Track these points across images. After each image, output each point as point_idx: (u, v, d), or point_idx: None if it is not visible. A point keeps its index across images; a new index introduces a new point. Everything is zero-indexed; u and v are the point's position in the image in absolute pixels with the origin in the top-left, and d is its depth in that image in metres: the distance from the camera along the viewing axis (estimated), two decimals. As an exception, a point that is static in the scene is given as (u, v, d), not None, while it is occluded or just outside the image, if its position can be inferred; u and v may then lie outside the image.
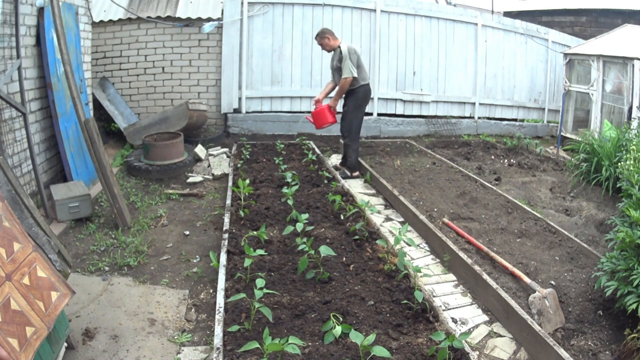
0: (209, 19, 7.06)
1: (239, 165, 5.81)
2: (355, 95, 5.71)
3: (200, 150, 6.29)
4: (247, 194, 4.53)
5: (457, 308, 3.22)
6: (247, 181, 4.54)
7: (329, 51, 5.77)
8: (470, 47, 8.28)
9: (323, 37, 5.75)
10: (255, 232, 3.73)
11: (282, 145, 6.66)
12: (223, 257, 3.41)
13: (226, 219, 4.10)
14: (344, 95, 5.79)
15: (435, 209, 4.82)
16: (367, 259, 3.53)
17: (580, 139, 6.42)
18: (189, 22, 7.10)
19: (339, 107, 5.96)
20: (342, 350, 2.50)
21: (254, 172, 5.60)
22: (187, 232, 4.26)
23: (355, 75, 5.52)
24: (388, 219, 4.72)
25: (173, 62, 7.24)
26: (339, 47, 5.60)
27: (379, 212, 4.80)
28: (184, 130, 6.24)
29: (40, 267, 2.24)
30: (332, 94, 5.91)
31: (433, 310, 2.87)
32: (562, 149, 7.43)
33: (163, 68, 7.24)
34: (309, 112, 7.69)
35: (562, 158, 7.10)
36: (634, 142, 4.44)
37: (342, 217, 4.22)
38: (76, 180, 4.65)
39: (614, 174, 5.14)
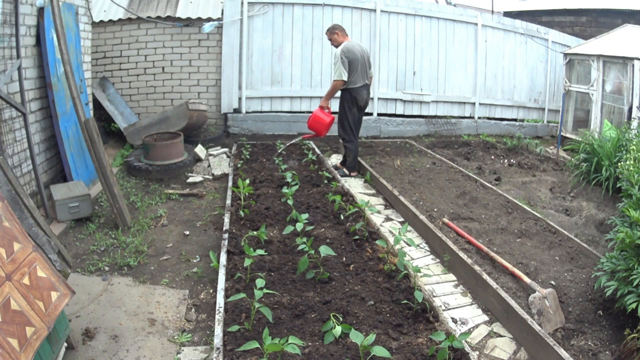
0: (209, 19, 7.06)
1: (239, 165, 5.81)
2: (345, 96, 5.74)
3: (200, 150, 6.29)
4: (247, 194, 4.53)
5: (457, 308, 3.22)
6: (247, 181, 4.54)
7: (336, 47, 5.76)
8: (470, 47, 8.28)
9: (333, 33, 5.78)
10: (255, 232, 3.73)
11: (282, 146, 6.65)
12: (223, 257, 3.41)
13: (226, 219, 4.10)
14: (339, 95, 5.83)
15: (435, 209, 4.82)
16: (367, 259, 3.53)
17: (580, 139, 6.42)
18: (189, 22, 7.10)
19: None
20: (342, 350, 2.50)
21: (254, 172, 5.60)
22: (187, 232, 4.26)
23: (345, 79, 5.54)
24: (388, 219, 4.72)
25: (173, 62, 7.24)
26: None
27: (379, 212, 4.80)
28: (184, 130, 6.24)
29: (40, 267, 2.24)
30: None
31: (433, 310, 2.87)
32: (562, 149, 7.43)
33: (163, 68, 7.24)
34: (308, 112, 7.71)
35: (562, 158, 7.10)
36: (634, 142, 4.44)
37: (342, 217, 4.22)
38: (76, 180, 4.65)
39: (614, 174, 5.14)
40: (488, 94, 8.53)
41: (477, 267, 3.40)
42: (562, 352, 2.50)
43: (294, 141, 6.35)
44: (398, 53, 7.95)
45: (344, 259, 3.53)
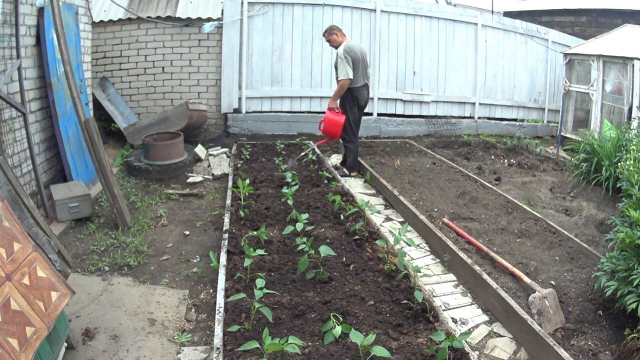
0: (209, 19, 7.06)
1: (239, 165, 5.81)
2: (346, 96, 5.72)
3: (200, 150, 6.29)
4: (247, 194, 4.53)
5: (457, 308, 3.22)
6: (247, 181, 4.54)
7: (335, 47, 5.76)
8: (470, 47, 8.28)
9: (331, 33, 5.76)
10: (255, 232, 3.73)
11: (282, 145, 6.66)
12: (223, 257, 3.41)
13: (226, 219, 4.10)
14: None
15: (435, 209, 4.82)
16: (367, 259, 3.53)
17: (580, 139, 6.42)
18: (189, 22, 7.10)
19: None
20: (342, 350, 2.50)
21: (254, 172, 5.60)
22: (187, 232, 4.26)
23: (351, 77, 5.52)
24: (388, 219, 4.72)
25: (173, 62, 7.24)
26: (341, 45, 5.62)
27: (379, 212, 4.80)
28: (184, 130, 6.24)
29: (40, 267, 2.24)
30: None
31: (433, 310, 2.87)
32: (562, 149, 7.43)
33: (163, 68, 7.24)
34: (308, 112, 7.72)
35: (562, 158, 7.10)
36: (634, 142, 4.44)
37: (342, 217, 4.22)
38: (76, 180, 4.65)
39: (614, 174, 5.14)
40: (488, 94, 8.52)
41: (477, 267, 3.40)
42: (562, 352, 2.50)
43: (306, 152, 6.21)
44: (398, 53, 7.94)
45: (344, 259, 3.53)
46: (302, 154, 6.19)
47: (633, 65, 6.31)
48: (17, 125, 4.11)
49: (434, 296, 3.32)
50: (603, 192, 5.31)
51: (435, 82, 8.21)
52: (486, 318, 3.11)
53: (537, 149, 7.34)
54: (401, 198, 4.81)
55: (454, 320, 3.06)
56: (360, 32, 7.73)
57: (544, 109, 8.96)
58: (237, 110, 7.49)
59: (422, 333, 2.68)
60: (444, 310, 3.15)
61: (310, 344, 2.55)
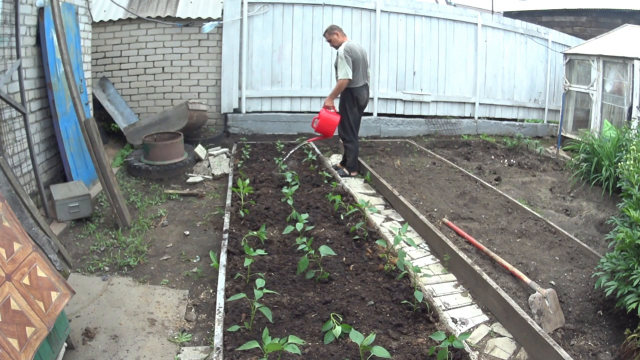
0: (209, 19, 7.07)
1: (239, 165, 5.81)
2: (346, 96, 5.72)
3: (200, 150, 6.29)
4: (247, 194, 4.53)
5: (457, 308, 3.22)
6: (247, 181, 4.54)
7: (336, 47, 5.75)
8: (470, 47, 8.28)
9: (332, 33, 5.75)
10: (255, 232, 3.73)
11: (282, 145, 6.66)
12: (223, 257, 3.41)
13: (226, 219, 4.10)
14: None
15: (435, 209, 4.82)
16: (367, 259, 3.54)
17: (580, 139, 6.42)
18: (189, 22, 7.10)
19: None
20: (342, 350, 2.50)
21: (254, 172, 5.60)
22: (187, 232, 4.26)
23: (350, 77, 5.51)
24: (388, 219, 4.72)
25: (173, 62, 7.24)
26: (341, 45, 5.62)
27: (379, 212, 4.80)
28: (184, 130, 6.24)
29: (40, 267, 2.24)
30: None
31: (433, 310, 2.87)
32: (562, 149, 7.43)
33: (163, 68, 7.24)
34: (308, 112, 7.72)
35: (562, 158, 7.10)
36: (634, 142, 4.44)
37: (342, 217, 4.22)
38: (76, 180, 4.65)
39: (614, 174, 5.15)
40: (488, 94, 8.52)
41: (477, 267, 3.40)
42: (562, 352, 2.50)
43: (298, 147, 6.28)
44: (398, 53, 7.94)
45: (344, 259, 3.53)
46: (296, 148, 6.20)
47: (633, 65, 6.30)
48: (17, 125, 4.11)
49: (434, 296, 3.32)
50: (603, 192, 5.31)
51: (435, 82, 8.21)
52: (486, 318, 3.11)
53: (537, 149, 7.34)
54: (401, 198, 4.81)
55: (454, 320, 3.06)
56: (360, 32, 7.73)
57: (544, 109, 8.96)
58: (237, 110, 7.49)
59: (422, 333, 2.68)
60: (444, 310, 3.15)
61: (310, 344, 2.55)
